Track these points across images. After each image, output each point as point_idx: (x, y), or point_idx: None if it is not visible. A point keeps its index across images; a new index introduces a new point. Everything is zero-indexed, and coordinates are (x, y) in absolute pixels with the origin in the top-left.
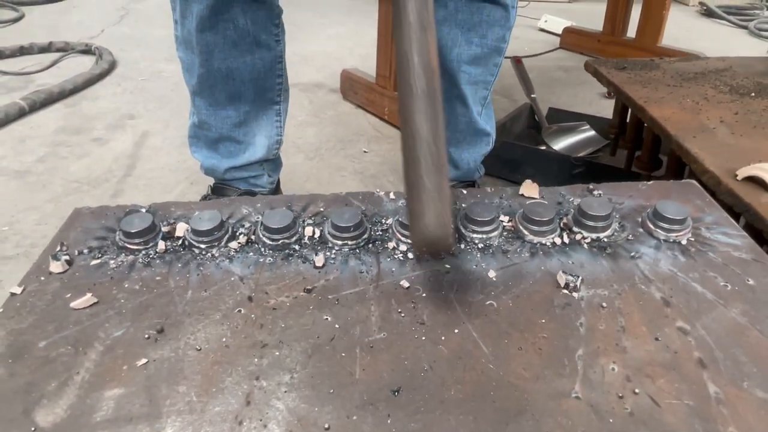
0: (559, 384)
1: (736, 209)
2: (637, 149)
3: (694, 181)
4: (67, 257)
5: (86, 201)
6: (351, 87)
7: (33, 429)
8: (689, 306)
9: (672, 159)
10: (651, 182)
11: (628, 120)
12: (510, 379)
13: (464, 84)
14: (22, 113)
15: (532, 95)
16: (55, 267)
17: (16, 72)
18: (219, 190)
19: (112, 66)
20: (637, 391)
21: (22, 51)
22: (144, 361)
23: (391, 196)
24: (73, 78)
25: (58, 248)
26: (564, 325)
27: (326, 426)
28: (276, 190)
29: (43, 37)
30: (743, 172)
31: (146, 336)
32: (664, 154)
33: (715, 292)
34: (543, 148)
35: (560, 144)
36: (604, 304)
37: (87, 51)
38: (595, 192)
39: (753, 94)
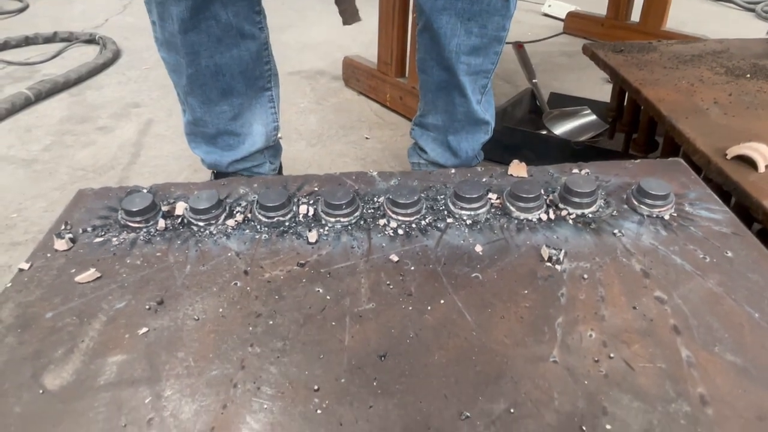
0: (538, 349)
1: (725, 188)
2: (634, 132)
3: (680, 160)
4: (71, 235)
5: (92, 187)
6: (353, 74)
7: (41, 392)
8: (667, 277)
9: (667, 141)
10: (638, 161)
11: (625, 103)
12: (492, 345)
13: (463, 75)
14: (27, 103)
15: (534, 80)
16: (60, 245)
17: (21, 62)
18: (222, 177)
19: (116, 55)
20: (612, 355)
21: (27, 41)
22: (145, 330)
23: (382, 176)
24: (77, 68)
25: (63, 227)
26: (546, 295)
27: (316, 388)
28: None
29: (47, 27)
30: (733, 151)
31: (147, 307)
32: (660, 135)
33: (693, 264)
34: (544, 132)
35: (561, 128)
36: (586, 276)
37: (91, 40)
38: (583, 170)
39: (748, 75)
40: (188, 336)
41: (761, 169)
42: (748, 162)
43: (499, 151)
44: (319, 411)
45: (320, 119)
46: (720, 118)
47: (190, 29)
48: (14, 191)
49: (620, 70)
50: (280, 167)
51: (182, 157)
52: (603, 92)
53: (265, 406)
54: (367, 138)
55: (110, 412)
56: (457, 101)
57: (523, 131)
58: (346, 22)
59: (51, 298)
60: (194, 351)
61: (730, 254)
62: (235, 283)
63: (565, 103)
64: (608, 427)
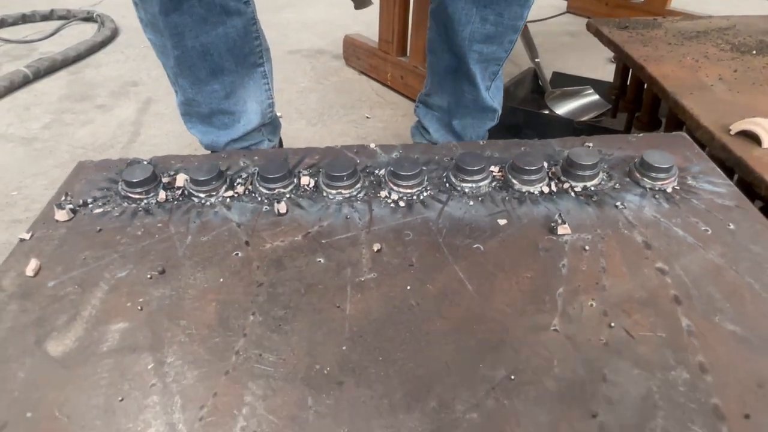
0: (539, 318)
1: (728, 163)
2: (637, 110)
3: (683, 133)
4: (71, 206)
5: None
6: (354, 53)
7: (44, 358)
8: (669, 248)
9: (670, 119)
10: (641, 134)
11: (628, 81)
12: (492, 314)
13: (474, 63)
14: (26, 81)
15: (536, 59)
16: (61, 215)
17: (18, 40)
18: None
19: (114, 33)
20: (612, 324)
21: (25, 19)
22: (147, 298)
23: (383, 149)
24: (75, 45)
25: (63, 198)
26: (547, 266)
27: (318, 355)
28: None
29: (44, 4)
30: (736, 127)
31: (148, 276)
32: (663, 114)
33: (695, 236)
34: (546, 112)
35: (563, 108)
36: (587, 247)
37: (89, 18)
38: (586, 144)
39: (754, 51)
40: (190, 305)
41: (765, 144)
42: (752, 137)
43: (501, 130)
44: (320, 377)
45: (320, 98)
46: (725, 94)
47: (171, 11)
48: (14, 169)
49: (624, 46)
50: (280, 144)
51: (182, 136)
52: (606, 72)
53: (267, 373)
54: (367, 117)
55: (113, 378)
56: (465, 88)
57: (525, 111)
58: (357, 7)
59: (53, 267)
60: (196, 319)
61: (732, 227)
62: (237, 254)
63: (568, 83)
64: (607, 393)
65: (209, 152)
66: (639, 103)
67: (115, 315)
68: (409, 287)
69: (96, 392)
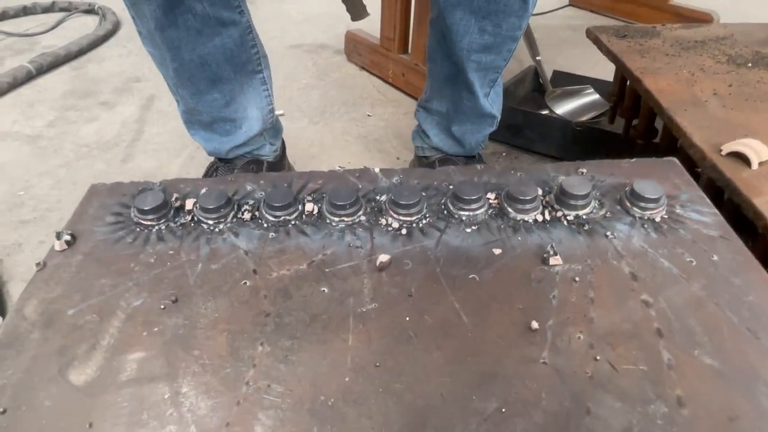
0: (529, 351)
1: (718, 183)
2: (635, 118)
3: (675, 159)
4: (68, 237)
5: (97, 165)
6: (355, 48)
7: (68, 387)
8: (654, 280)
9: (666, 129)
10: (634, 160)
11: (626, 89)
12: (486, 346)
13: (472, 72)
14: (29, 77)
15: (537, 57)
16: (59, 246)
17: (20, 33)
18: (226, 160)
19: (116, 26)
20: (598, 357)
21: (26, 11)
22: (161, 328)
23: (384, 173)
24: (78, 40)
25: (64, 230)
26: (539, 297)
27: (322, 387)
28: (282, 155)
29: None
30: (727, 147)
31: (162, 306)
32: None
33: (680, 268)
34: (545, 112)
35: (563, 108)
36: (577, 279)
37: (90, 10)
38: (580, 170)
39: (750, 64)
40: (202, 334)
41: (754, 166)
42: (743, 158)
43: (501, 130)
44: (324, 408)
45: (322, 95)
46: (718, 110)
47: (166, 26)
48: (20, 168)
49: (623, 57)
50: (283, 146)
51: (185, 135)
52: (607, 69)
53: (275, 403)
54: (369, 115)
55: (133, 407)
56: (464, 95)
57: (525, 111)
58: (354, 19)
59: (71, 295)
60: (208, 350)
61: (715, 258)
62: (245, 282)
63: (568, 82)
64: (590, 426)
65: (213, 159)
66: (636, 110)
67: (132, 344)
68: (407, 318)
69: (118, 420)
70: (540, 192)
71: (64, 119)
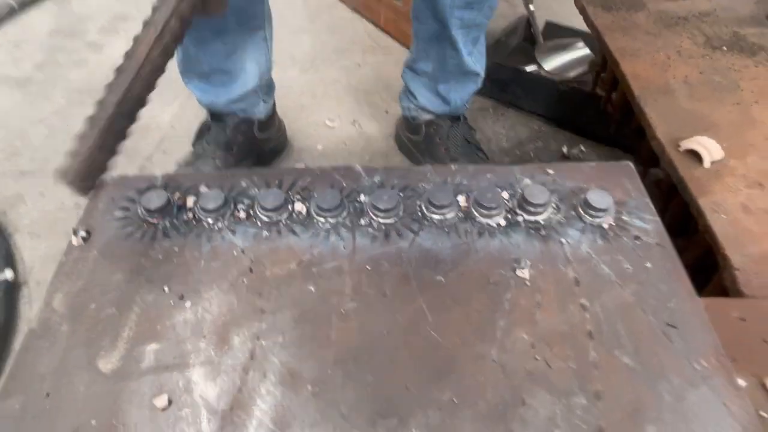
0: (481, 349)
1: (672, 179)
2: (614, 90)
3: (630, 164)
4: (84, 234)
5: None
6: None
7: (97, 374)
8: (593, 286)
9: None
10: (594, 163)
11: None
12: (446, 344)
13: (455, 28)
14: (12, 13)
15: (530, 6)
16: (76, 241)
17: None
18: (217, 117)
19: None
20: (537, 357)
21: None
22: (172, 321)
23: (367, 172)
24: None
25: (79, 226)
26: (494, 300)
27: (309, 377)
28: (272, 113)
29: None
30: (685, 144)
31: (171, 302)
32: None
33: (617, 274)
34: (532, 68)
35: (552, 63)
36: (528, 283)
37: None
38: (546, 169)
39: (725, 48)
40: (207, 328)
41: (707, 164)
42: (698, 156)
43: (487, 85)
44: (311, 396)
45: (313, 40)
46: (685, 101)
47: None
48: (14, 115)
49: (605, 35)
50: (273, 104)
51: (176, 82)
52: None
53: (271, 390)
54: (359, 64)
55: (154, 392)
56: (448, 53)
57: (513, 69)
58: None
59: (91, 290)
60: (213, 342)
61: (649, 265)
62: (243, 280)
63: (561, 34)
64: (523, 414)
65: (206, 114)
66: (615, 84)
67: (148, 337)
68: (381, 318)
69: (144, 404)
70: (506, 196)
71: (53, 62)
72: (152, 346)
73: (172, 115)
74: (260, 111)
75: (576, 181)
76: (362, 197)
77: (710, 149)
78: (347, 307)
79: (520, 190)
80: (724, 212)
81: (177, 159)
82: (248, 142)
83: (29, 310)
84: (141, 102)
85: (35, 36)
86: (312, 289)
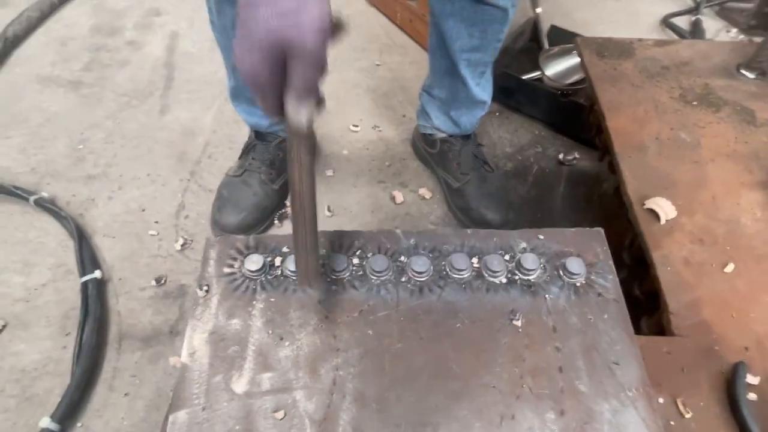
0: (486, 379)
1: (635, 231)
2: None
3: (601, 231)
4: (206, 288)
5: (139, 118)
6: None
7: (234, 395)
8: (566, 332)
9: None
10: (574, 230)
11: None
12: (462, 375)
13: (463, 68)
14: (53, 8)
15: (537, 9)
16: (201, 294)
17: None
18: (262, 136)
19: None
20: (524, 385)
21: None
22: (276, 358)
23: (405, 235)
24: None
25: (201, 282)
26: (496, 342)
27: (373, 398)
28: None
29: None
30: (647, 204)
31: (274, 342)
32: None
33: (583, 323)
34: (537, 74)
35: (554, 69)
36: (520, 330)
37: None
38: (539, 235)
39: (695, 102)
40: (303, 361)
41: (662, 222)
42: (656, 214)
43: (495, 91)
44: (375, 411)
45: None
46: (654, 158)
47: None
48: (72, 119)
49: (596, 84)
50: None
51: (212, 82)
52: (612, 21)
53: (348, 407)
54: (377, 65)
55: (273, 408)
56: (459, 86)
57: (518, 78)
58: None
59: (218, 331)
60: (307, 372)
61: (606, 316)
62: (321, 325)
63: (565, 39)
64: (513, 425)
65: (250, 131)
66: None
67: (263, 368)
68: (419, 355)
69: (267, 416)
70: (507, 258)
71: (98, 62)
72: (267, 375)
73: (212, 118)
74: None
75: (560, 244)
76: (402, 258)
77: (666, 210)
78: (396, 347)
79: (518, 255)
80: (670, 264)
81: (222, 166)
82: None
83: (116, 304)
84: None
85: (78, 34)
86: (370, 332)
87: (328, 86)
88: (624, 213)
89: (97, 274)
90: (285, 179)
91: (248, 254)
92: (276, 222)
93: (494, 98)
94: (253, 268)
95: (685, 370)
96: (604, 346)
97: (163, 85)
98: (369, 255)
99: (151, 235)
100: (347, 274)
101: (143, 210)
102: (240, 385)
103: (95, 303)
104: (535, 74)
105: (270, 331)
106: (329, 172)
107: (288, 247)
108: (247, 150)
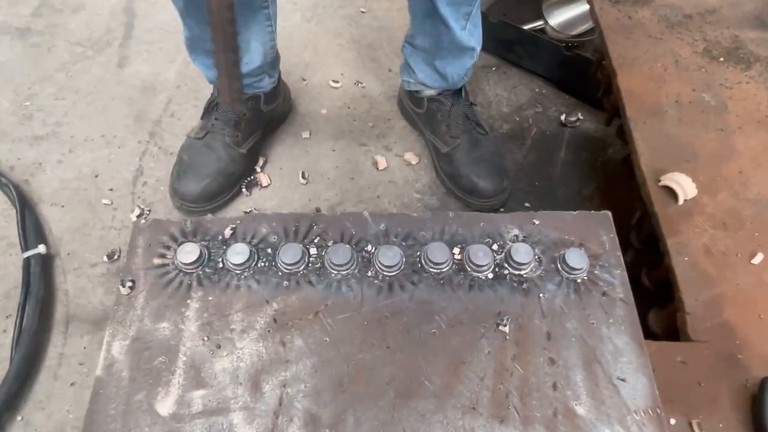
0: (466, 399)
1: (648, 212)
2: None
3: (608, 214)
4: (129, 284)
5: (95, 70)
6: None
7: (159, 418)
8: (562, 341)
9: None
10: (576, 213)
11: None
12: (437, 393)
13: (443, 6)
14: None
15: None
16: (124, 291)
17: None
18: None
19: None
20: (509, 407)
21: None
22: (212, 371)
23: (374, 218)
24: None
25: (124, 275)
26: (479, 352)
27: (326, 421)
28: (278, 83)
29: None
30: (663, 180)
31: (211, 351)
32: None
33: (584, 328)
34: (539, 24)
35: (558, 18)
36: (508, 337)
37: None
38: (533, 220)
39: (722, 58)
40: (243, 376)
41: (680, 202)
42: (674, 193)
43: (493, 43)
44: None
45: None
46: (673, 125)
47: None
48: (18, 72)
49: (607, 35)
50: (279, 74)
51: (177, 31)
52: None
53: (297, 431)
54: (362, 12)
55: None
56: (441, 30)
57: (517, 28)
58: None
59: (143, 338)
60: (249, 389)
61: (611, 320)
62: (269, 330)
63: None
64: None
65: (213, 89)
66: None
67: (195, 384)
68: (385, 369)
69: None
70: (496, 248)
71: (50, 6)
72: (199, 392)
73: (176, 72)
74: (266, 85)
75: (559, 231)
76: (369, 247)
77: (684, 187)
78: (357, 358)
79: (508, 244)
80: (687, 254)
81: (186, 126)
82: (255, 117)
83: (64, 281)
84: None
85: None
86: (327, 339)
87: (305, 37)
88: (633, 184)
89: (41, 248)
90: (253, 142)
91: (183, 242)
92: (244, 191)
93: (491, 51)
94: (188, 260)
95: (702, 384)
96: (608, 358)
97: (121, 34)
98: (329, 244)
99: (105, 204)
100: (302, 267)
101: (96, 176)
102: (165, 406)
103: (38, 281)
104: (537, 24)
105: (206, 338)
106: (305, 134)
107: (232, 233)
108: (209, 109)
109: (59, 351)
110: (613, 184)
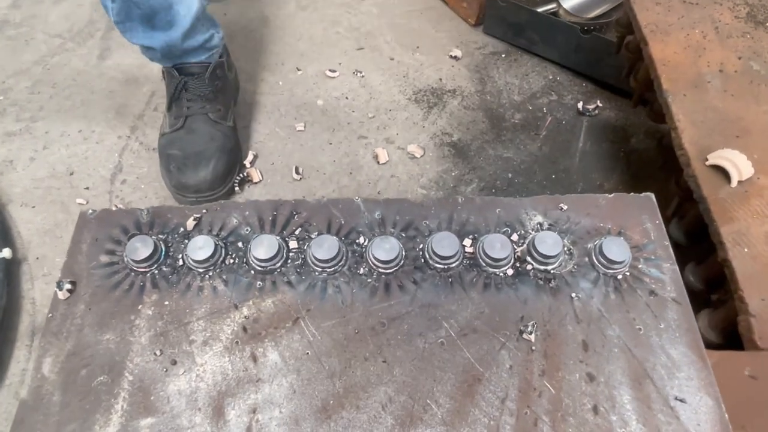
0: (479, 427)
1: (695, 196)
2: (640, 59)
3: (651, 196)
4: (69, 286)
5: (74, 62)
6: None
7: None
8: (602, 353)
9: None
10: (612, 195)
11: None
12: (444, 419)
13: None
14: None
15: None
16: (62, 295)
17: None
18: (185, 69)
19: None
20: None
21: None
22: (165, 392)
23: (366, 205)
24: None
25: (62, 275)
26: (498, 368)
27: None
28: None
29: None
30: (712, 158)
31: (164, 369)
32: None
33: (629, 336)
34: (552, 7)
35: (572, 0)
36: (534, 348)
37: None
38: (560, 204)
39: None
40: (203, 400)
41: (734, 183)
42: (725, 173)
43: (502, 27)
44: None
45: None
46: (718, 97)
47: None
48: None
49: (636, 3)
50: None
51: None
52: None
53: None
54: None
55: None
56: None
57: (529, 11)
58: None
59: (81, 352)
60: (209, 416)
61: (662, 326)
62: (237, 342)
63: None
64: None
65: (161, 71)
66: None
67: (143, 410)
68: (380, 389)
69: None
70: (516, 238)
71: None
72: (147, 421)
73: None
74: (217, 43)
75: (592, 218)
76: (361, 239)
77: (739, 167)
78: (345, 376)
79: (531, 234)
80: (747, 245)
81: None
82: (225, 86)
83: (31, 289)
84: None
85: None
86: (309, 353)
87: (301, 25)
88: (667, 169)
89: (6, 253)
90: (234, 116)
91: (134, 234)
92: (236, 188)
93: (499, 36)
94: (140, 256)
95: None
96: (662, 373)
97: (104, 26)
98: (313, 235)
99: (80, 203)
100: (279, 263)
101: (71, 173)
102: None
103: (1, 288)
104: (551, 6)
105: (158, 352)
106: (299, 126)
107: (196, 224)
108: (177, 95)
109: (22, 367)
110: (638, 176)
